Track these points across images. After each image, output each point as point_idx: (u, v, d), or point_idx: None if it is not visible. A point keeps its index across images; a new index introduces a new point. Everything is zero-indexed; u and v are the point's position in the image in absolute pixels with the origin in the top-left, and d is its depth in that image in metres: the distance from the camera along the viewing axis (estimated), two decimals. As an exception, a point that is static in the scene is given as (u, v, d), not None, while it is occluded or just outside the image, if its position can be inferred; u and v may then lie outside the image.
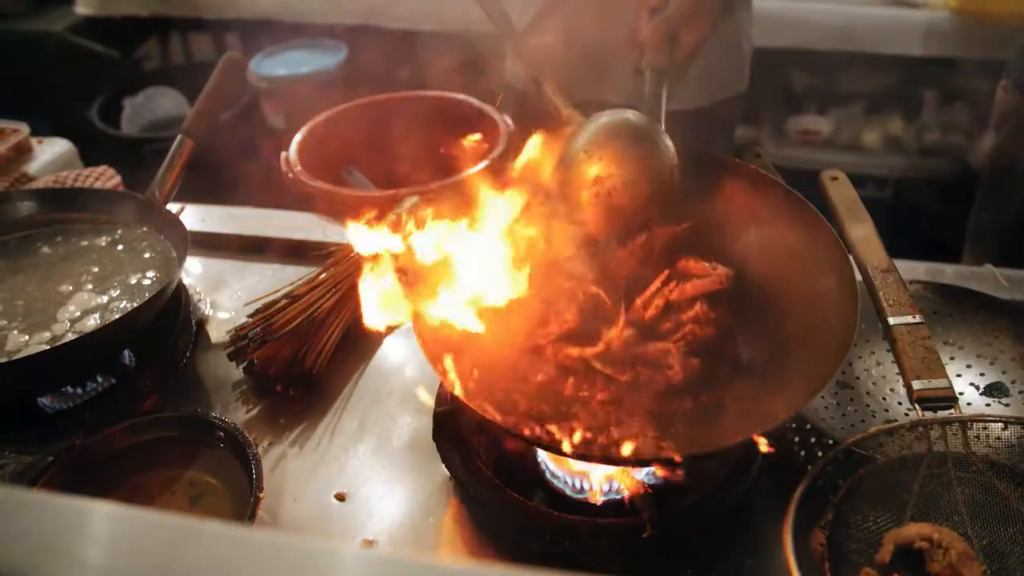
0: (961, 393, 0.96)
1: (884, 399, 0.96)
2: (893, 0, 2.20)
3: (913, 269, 1.12)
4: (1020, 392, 0.94)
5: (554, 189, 0.92)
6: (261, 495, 0.78)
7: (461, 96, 1.56)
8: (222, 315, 1.17)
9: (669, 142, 0.91)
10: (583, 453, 0.74)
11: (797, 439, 0.90)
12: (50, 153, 1.48)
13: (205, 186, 1.47)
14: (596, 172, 0.88)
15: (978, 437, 0.72)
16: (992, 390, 0.96)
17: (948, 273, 1.12)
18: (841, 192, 1.04)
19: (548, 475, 0.88)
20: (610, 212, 0.89)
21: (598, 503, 0.84)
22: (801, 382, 0.75)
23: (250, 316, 1.03)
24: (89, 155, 1.60)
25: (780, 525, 0.63)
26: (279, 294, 1.05)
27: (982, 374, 0.98)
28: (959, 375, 0.98)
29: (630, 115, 0.92)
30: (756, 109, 2.56)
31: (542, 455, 0.89)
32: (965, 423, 0.72)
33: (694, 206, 0.96)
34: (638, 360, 0.86)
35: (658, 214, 0.92)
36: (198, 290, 1.22)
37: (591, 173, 0.89)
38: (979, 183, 1.74)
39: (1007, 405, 0.93)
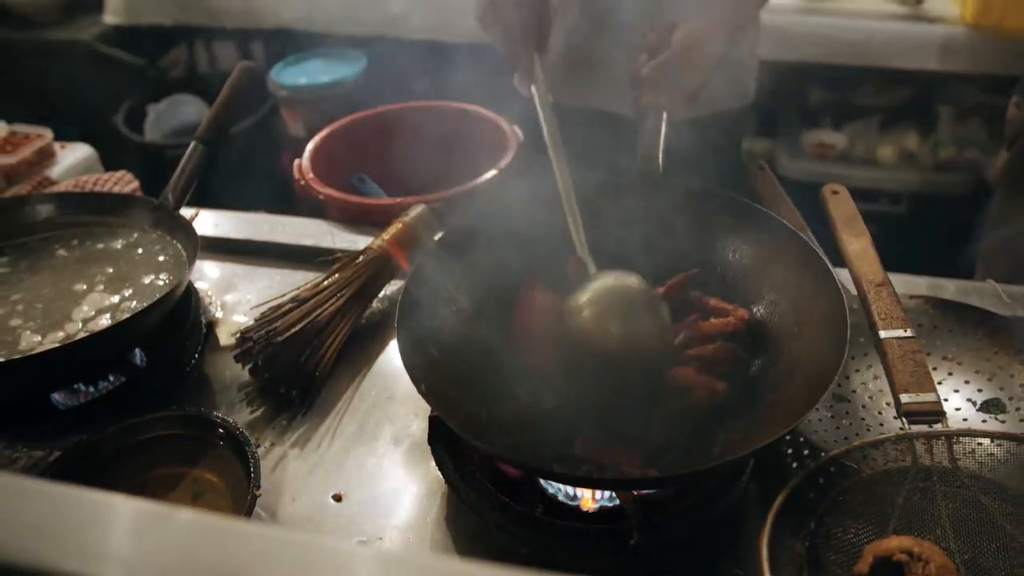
0: (958, 409, 0.96)
1: (880, 413, 0.97)
2: (909, 15, 2.20)
3: (914, 284, 1.13)
4: (1017, 409, 0.94)
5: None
6: (258, 493, 0.80)
7: (472, 107, 1.59)
8: (232, 318, 1.19)
9: (665, 310, 0.93)
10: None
11: (790, 451, 0.91)
12: (72, 158, 1.52)
13: (223, 191, 1.51)
14: (593, 332, 0.90)
15: (964, 452, 0.72)
16: (989, 406, 0.96)
17: (949, 288, 1.12)
18: (841, 206, 1.05)
19: (542, 481, 0.90)
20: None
21: (591, 510, 0.86)
22: (782, 416, 0.77)
23: (256, 319, 1.05)
24: (113, 160, 1.64)
25: (763, 534, 0.64)
26: (285, 298, 1.08)
27: (980, 390, 0.98)
28: (957, 390, 0.98)
29: (632, 282, 0.93)
30: (771, 122, 2.56)
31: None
32: (952, 437, 0.72)
33: (701, 243, 1.00)
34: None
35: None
36: (209, 293, 1.25)
37: (589, 332, 0.90)
38: (992, 199, 1.73)
39: (1003, 422, 0.93)
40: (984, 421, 0.94)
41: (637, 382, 0.89)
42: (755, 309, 0.97)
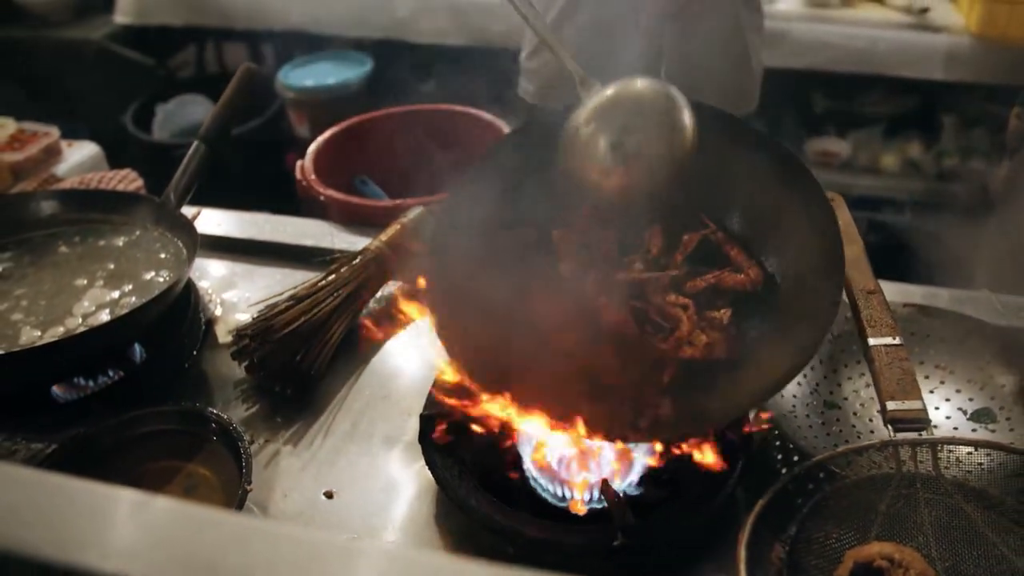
0: (948, 417, 0.96)
1: (871, 420, 0.97)
2: (913, 24, 2.20)
3: (908, 292, 1.13)
4: (1007, 419, 0.94)
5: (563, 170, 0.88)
6: (249, 488, 0.81)
7: (474, 110, 1.60)
8: (231, 316, 1.21)
9: (683, 100, 0.85)
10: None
11: (779, 456, 0.91)
12: (78, 156, 1.54)
13: (230, 191, 1.52)
14: (608, 141, 0.84)
15: (948, 459, 0.73)
16: (979, 416, 0.96)
17: (944, 297, 1.13)
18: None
19: (532, 482, 0.90)
20: (629, 182, 0.85)
21: (582, 512, 0.87)
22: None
23: (253, 317, 1.06)
24: (121, 159, 1.66)
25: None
26: (282, 297, 1.09)
27: (971, 399, 0.98)
28: (948, 399, 0.98)
29: (638, 81, 0.87)
30: (775, 129, 2.56)
31: (527, 461, 0.91)
32: (936, 445, 0.72)
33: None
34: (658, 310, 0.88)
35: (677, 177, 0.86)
36: (210, 291, 1.26)
37: (602, 145, 0.84)
38: (994, 209, 1.73)
39: (993, 431, 0.93)
40: (974, 430, 0.94)
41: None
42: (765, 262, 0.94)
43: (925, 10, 2.21)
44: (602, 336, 0.86)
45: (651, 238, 0.97)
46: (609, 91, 0.87)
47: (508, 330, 0.84)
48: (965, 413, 0.96)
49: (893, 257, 1.23)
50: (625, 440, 0.79)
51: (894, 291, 1.12)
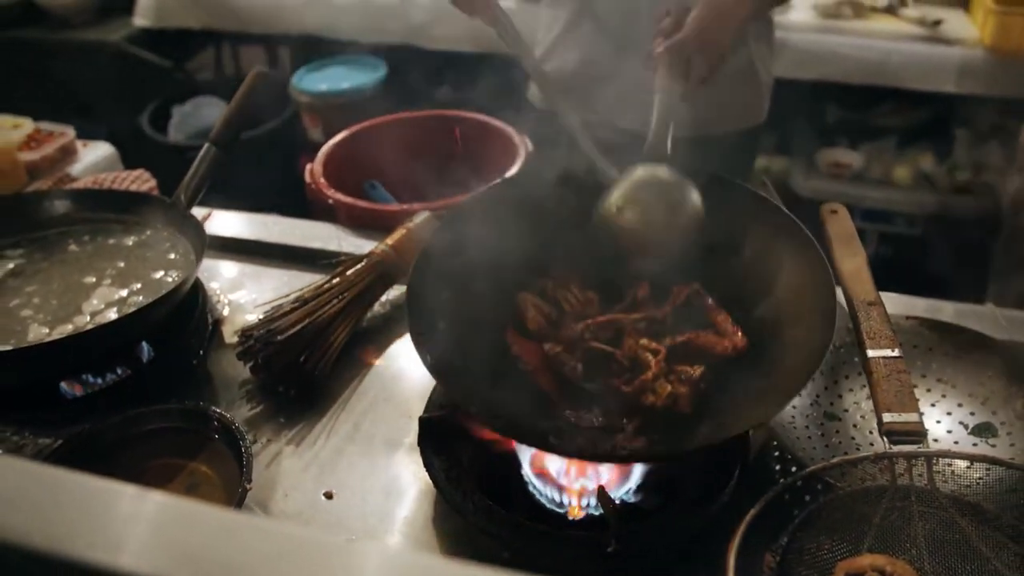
0: (949, 432, 0.96)
1: (870, 432, 0.97)
2: (927, 36, 2.20)
3: (912, 304, 1.13)
4: (1008, 434, 0.94)
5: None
6: (248, 486, 0.82)
7: (484, 117, 1.61)
8: (238, 316, 1.22)
9: (696, 195, 0.99)
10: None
11: (778, 467, 0.91)
12: (93, 156, 1.57)
13: (244, 193, 1.54)
14: (628, 224, 0.98)
15: (944, 473, 0.73)
16: (980, 430, 0.96)
17: (948, 310, 1.12)
18: (838, 225, 1.05)
19: (530, 487, 0.91)
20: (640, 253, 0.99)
21: (578, 517, 0.87)
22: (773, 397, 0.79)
23: (259, 318, 1.08)
24: (137, 159, 1.68)
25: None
26: (288, 299, 1.10)
27: (972, 413, 0.98)
28: (949, 413, 0.98)
29: (660, 171, 1.00)
30: (787, 140, 2.56)
31: (526, 467, 0.92)
32: (931, 458, 0.72)
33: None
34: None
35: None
36: (218, 291, 1.28)
37: (624, 224, 0.98)
38: (1004, 223, 1.72)
39: (994, 446, 0.93)
40: (975, 444, 0.94)
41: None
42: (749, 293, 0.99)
43: (939, 22, 2.21)
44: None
45: (638, 290, 1.00)
46: (636, 175, 1.00)
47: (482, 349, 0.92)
48: (966, 427, 0.96)
49: (903, 269, 1.23)
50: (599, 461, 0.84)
51: (898, 303, 1.12)
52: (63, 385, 1.05)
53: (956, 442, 0.94)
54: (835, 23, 2.31)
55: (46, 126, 1.59)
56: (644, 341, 0.93)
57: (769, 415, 0.82)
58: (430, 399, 0.97)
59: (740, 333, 0.94)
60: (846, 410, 1.00)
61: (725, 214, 1.00)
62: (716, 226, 1.00)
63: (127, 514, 0.53)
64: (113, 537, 0.49)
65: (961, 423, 0.96)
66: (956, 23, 2.25)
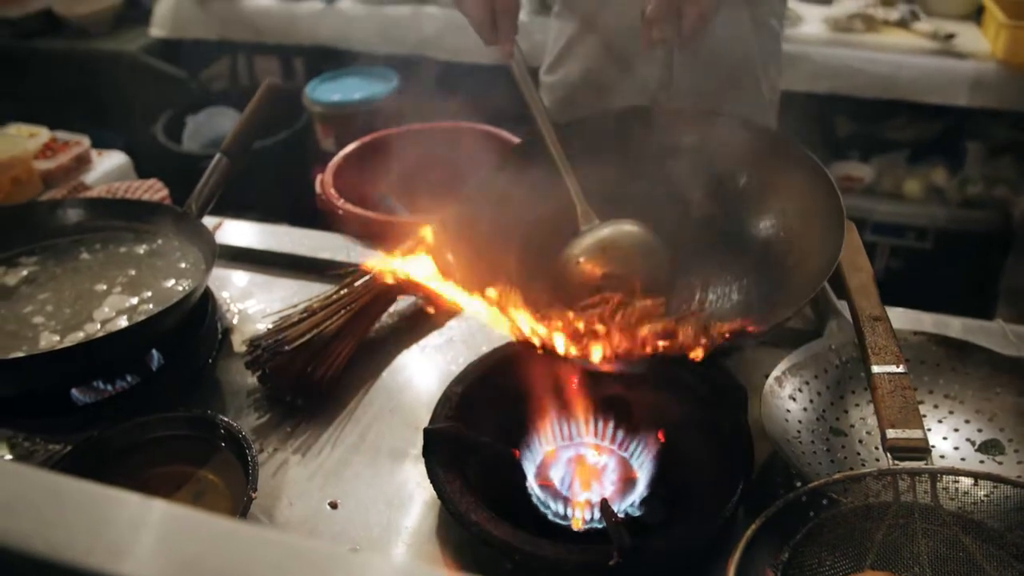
0: (956, 448, 0.96)
1: (877, 448, 0.96)
2: (939, 50, 2.19)
3: (919, 320, 1.12)
4: (1016, 451, 0.93)
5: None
6: (253, 495, 0.83)
7: (494, 129, 1.62)
8: (247, 325, 1.23)
9: (662, 247, 1.00)
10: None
11: (782, 483, 0.91)
12: (107, 165, 1.59)
13: (257, 202, 1.55)
14: (593, 276, 0.98)
15: (948, 490, 0.72)
16: (988, 447, 0.95)
17: (955, 326, 1.12)
18: (845, 239, 1.05)
19: (534, 499, 0.91)
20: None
21: (580, 529, 0.87)
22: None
23: (267, 328, 1.09)
24: (151, 168, 1.70)
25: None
26: (296, 309, 1.11)
27: (980, 430, 0.97)
28: (956, 429, 0.97)
29: (626, 225, 1.01)
30: (798, 153, 2.56)
31: (531, 478, 0.92)
32: (935, 475, 0.72)
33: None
34: None
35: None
36: (228, 300, 1.29)
37: (588, 277, 0.98)
38: (1016, 238, 1.71)
39: (1001, 463, 0.92)
40: (982, 461, 0.93)
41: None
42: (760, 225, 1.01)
43: (951, 36, 2.21)
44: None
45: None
46: (605, 230, 1.01)
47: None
48: (973, 444, 0.95)
49: (914, 283, 1.22)
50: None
51: (905, 318, 1.12)
52: (74, 391, 1.06)
53: (963, 459, 0.94)
54: (847, 36, 2.31)
55: (62, 135, 1.62)
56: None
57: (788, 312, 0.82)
58: (435, 410, 0.97)
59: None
60: (852, 425, 0.99)
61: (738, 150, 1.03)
62: (726, 158, 1.03)
63: (129, 522, 0.53)
64: (115, 544, 0.49)
65: (968, 440, 0.96)
66: (968, 37, 2.24)
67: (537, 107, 1.05)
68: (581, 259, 0.99)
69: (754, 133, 1.03)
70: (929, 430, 0.98)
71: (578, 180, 1.03)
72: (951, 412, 0.99)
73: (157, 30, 2.98)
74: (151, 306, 1.07)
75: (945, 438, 0.97)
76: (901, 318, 1.12)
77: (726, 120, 1.05)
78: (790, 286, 0.91)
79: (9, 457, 1.02)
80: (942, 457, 0.94)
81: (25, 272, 1.15)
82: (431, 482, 0.88)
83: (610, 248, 0.99)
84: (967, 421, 0.98)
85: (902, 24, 2.34)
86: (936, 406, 1.00)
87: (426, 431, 0.90)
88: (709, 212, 1.04)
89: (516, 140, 1.58)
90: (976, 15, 2.36)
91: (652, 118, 1.06)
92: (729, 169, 1.04)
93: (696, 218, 1.05)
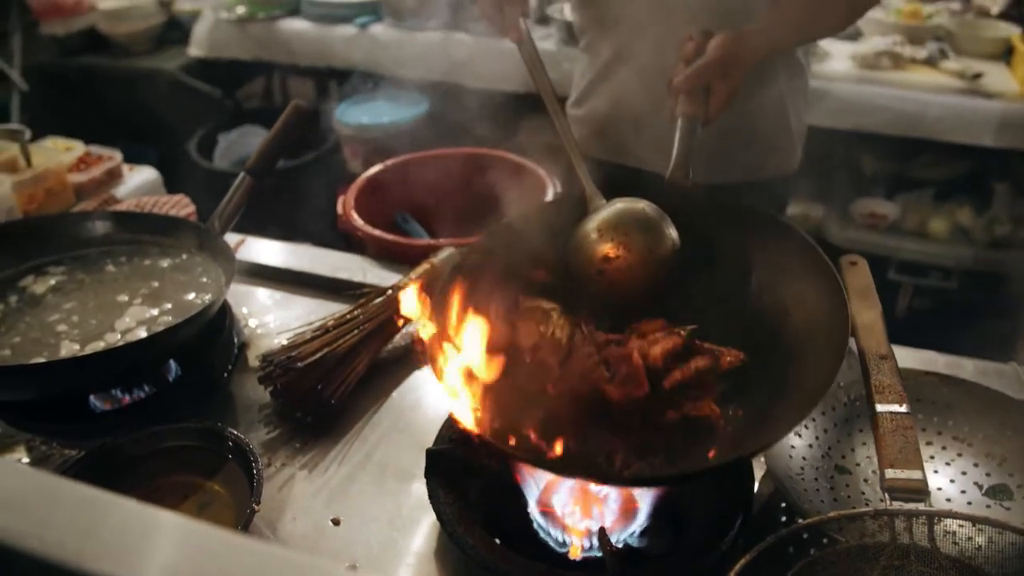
0: (963, 492, 0.94)
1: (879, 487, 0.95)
2: (966, 89, 2.18)
3: (932, 360, 1.11)
4: (1024, 497, 0.92)
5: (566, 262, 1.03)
6: (256, 508, 0.84)
7: (514, 155, 1.64)
8: (263, 341, 1.26)
9: (674, 231, 1.00)
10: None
11: (784, 519, 0.91)
12: (138, 179, 1.64)
13: (284, 221, 1.59)
14: (605, 252, 1.00)
15: (945, 533, 0.72)
16: (995, 492, 0.94)
17: (968, 367, 1.11)
18: (857, 277, 1.05)
19: (535, 525, 0.92)
20: (612, 289, 1.00)
21: (578, 557, 0.88)
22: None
23: (282, 345, 1.11)
24: (183, 183, 1.74)
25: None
26: (311, 327, 1.13)
27: (988, 474, 0.96)
28: (964, 472, 0.96)
29: (642, 204, 1.02)
30: (823, 189, 2.55)
31: (532, 505, 0.93)
32: (933, 517, 0.72)
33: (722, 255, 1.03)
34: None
35: (655, 293, 1.00)
36: (246, 315, 1.32)
37: (600, 252, 1.00)
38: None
39: (1008, 509, 0.91)
40: (989, 506, 0.92)
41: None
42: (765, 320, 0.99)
43: (979, 76, 2.20)
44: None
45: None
46: (617, 206, 1.03)
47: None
48: (981, 488, 0.94)
49: (937, 323, 1.22)
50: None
51: (917, 358, 1.11)
52: (92, 399, 1.09)
53: (969, 502, 0.93)
54: (874, 74, 2.31)
55: (96, 149, 1.67)
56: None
57: (778, 437, 0.83)
58: (440, 432, 0.98)
59: (734, 351, 0.94)
60: (858, 464, 0.99)
61: (753, 242, 1.02)
62: (740, 252, 1.02)
63: (129, 530, 0.55)
64: (110, 550, 0.51)
65: (976, 483, 0.95)
66: (997, 76, 2.23)
67: (545, 90, 1.08)
68: (593, 234, 1.01)
69: (772, 230, 1.01)
70: (936, 472, 0.97)
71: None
72: (959, 455, 0.98)
73: (196, 50, 3.07)
74: (170, 318, 1.10)
75: (952, 481, 0.96)
76: (914, 358, 1.12)
77: (743, 213, 1.04)
78: (783, 408, 0.87)
79: (26, 460, 1.04)
80: (948, 500, 0.93)
81: (53, 281, 1.18)
82: (431, 503, 0.89)
83: (621, 224, 1.01)
84: (976, 464, 0.97)
85: (930, 62, 2.33)
86: (944, 448, 0.99)
87: (428, 452, 0.92)
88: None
89: (541, 171, 1.60)
90: (1005, 55, 2.35)
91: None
92: (738, 265, 1.02)
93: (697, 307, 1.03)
